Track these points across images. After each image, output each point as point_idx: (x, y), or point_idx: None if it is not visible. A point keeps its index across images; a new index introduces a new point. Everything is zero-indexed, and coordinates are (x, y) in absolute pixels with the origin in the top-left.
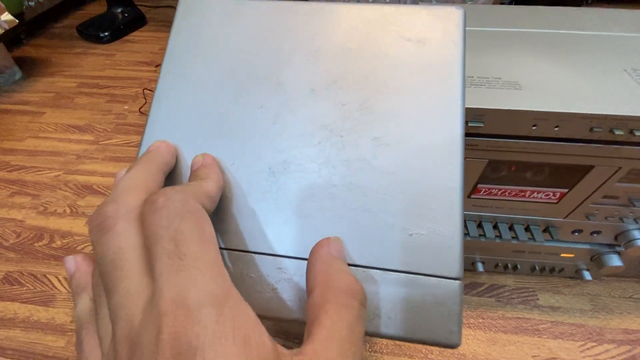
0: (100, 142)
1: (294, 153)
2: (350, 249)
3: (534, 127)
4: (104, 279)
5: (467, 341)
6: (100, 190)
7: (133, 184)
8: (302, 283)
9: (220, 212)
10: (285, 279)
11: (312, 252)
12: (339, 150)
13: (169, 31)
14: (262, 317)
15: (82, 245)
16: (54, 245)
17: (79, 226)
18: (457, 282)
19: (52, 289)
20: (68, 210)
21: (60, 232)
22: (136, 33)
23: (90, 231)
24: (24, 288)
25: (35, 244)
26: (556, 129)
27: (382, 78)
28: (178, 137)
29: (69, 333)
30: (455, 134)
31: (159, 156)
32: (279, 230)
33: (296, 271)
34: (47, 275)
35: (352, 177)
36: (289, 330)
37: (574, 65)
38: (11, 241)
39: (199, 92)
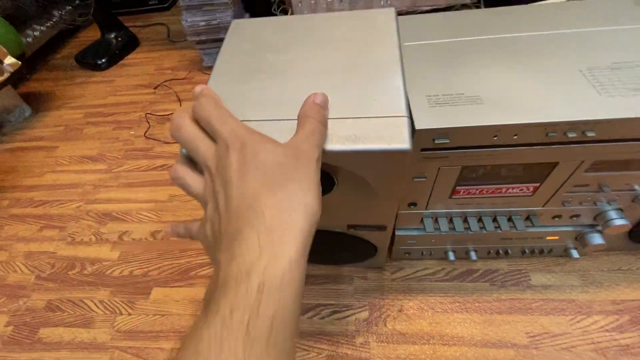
0: (113, 170)
1: None
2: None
3: (495, 137)
4: (189, 151)
5: (465, 324)
6: (119, 216)
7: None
8: None
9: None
10: None
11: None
12: None
13: (161, 50)
14: None
15: (110, 270)
16: (85, 272)
17: (105, 252)
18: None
19: (89, 312)
20: (93, 239)
21: (89, 260)
22: (131, 56)
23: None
24: (65, 313)
25: (69, 273)
26: (515, 137)
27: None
28: None
29: (111, 349)
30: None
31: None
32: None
33: None
34: (84, 300)
35: None
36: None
37: (532, 72)
38: (47, 272)
39: None
